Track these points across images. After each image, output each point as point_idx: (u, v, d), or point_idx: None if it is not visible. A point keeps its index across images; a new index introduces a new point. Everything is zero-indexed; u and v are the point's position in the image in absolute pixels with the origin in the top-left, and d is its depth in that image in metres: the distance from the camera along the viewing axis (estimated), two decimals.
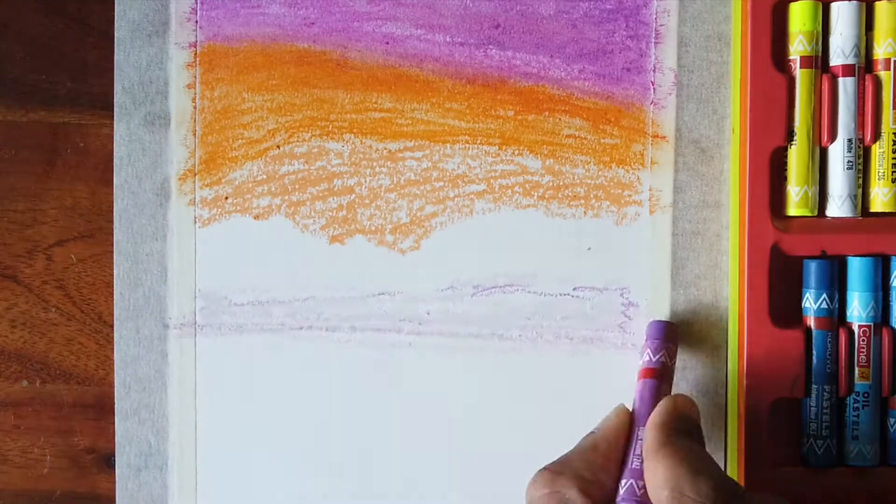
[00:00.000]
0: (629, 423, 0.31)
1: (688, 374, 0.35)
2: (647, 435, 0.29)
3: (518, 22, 0.36)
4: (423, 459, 0.36)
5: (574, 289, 0.36)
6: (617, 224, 0.36)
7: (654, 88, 0.35)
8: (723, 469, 0.29)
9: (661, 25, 0.35)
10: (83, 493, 0.37)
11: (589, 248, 0.36)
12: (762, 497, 0.28)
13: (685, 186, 0.35)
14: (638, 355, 0.35)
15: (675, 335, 0.34)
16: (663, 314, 0.35)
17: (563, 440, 0.36)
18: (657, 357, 0.33)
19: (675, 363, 0.34)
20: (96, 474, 0.37)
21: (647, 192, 0.35)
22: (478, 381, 0.36)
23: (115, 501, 0.37)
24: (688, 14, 0.35)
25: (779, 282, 0.34)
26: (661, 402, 0.31)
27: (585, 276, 0.36)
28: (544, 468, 0.28)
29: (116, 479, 0.37)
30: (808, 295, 0.34)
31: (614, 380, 0.36)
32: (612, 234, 0.36)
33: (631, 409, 0.32)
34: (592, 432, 0.30)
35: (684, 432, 0.29)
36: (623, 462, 0.30)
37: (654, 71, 0.35)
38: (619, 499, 0.29)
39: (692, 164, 0.35)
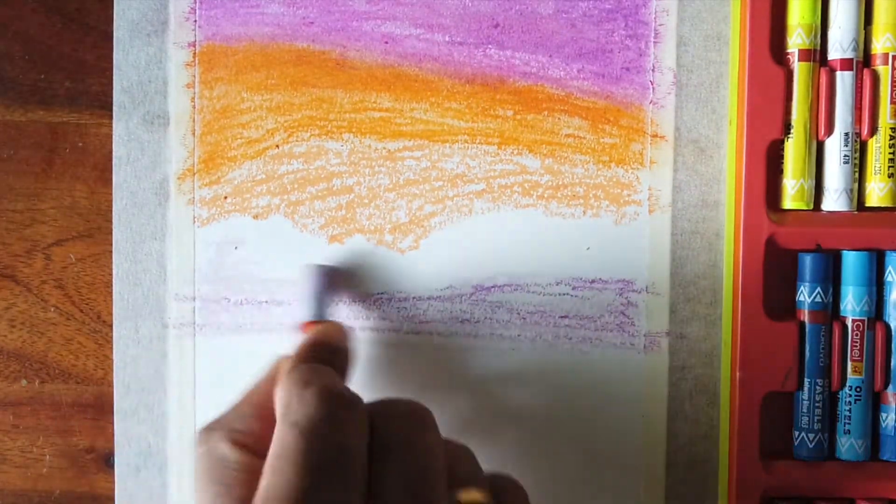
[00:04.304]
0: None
1: (687, 374, 0.35)
2: (282, 365, 0.29)
3: (517, 21, 0.36)
4: None
5: (573, 288, 0.36)
6: (616, 223, 0.36)
7: (653, 88, 0.35)
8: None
9: (661, 25, 0.35)
10: (82, 492, 0.37)
11: (588, 248, 0.36)
12: (385, 400, 0.27)
13: (684, 186, 0.35)
14: (636, 352, 0.35)
15: (335, 280, 0.35)
16: (663, 310, 0.35)
17: (563, 440, 0.36)
18: (317, 310, 0.33)
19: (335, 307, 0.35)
20: (95, 474, 0.37)
21: (647, 192, 0.36)
22: (477, 380, 0.36)
23: (114, 501, 0.37)
24: (687, 14, 0.35)
25: (773, 275, 0.34)
26: (307, 332, 0.31)
27: (584, 276, 0.36)
28: (201, 428, 0.28)
29: (115, 478, 0.37)
30: (802, 288, 0.34)
31: (613, 379, 0.36)
32: (612, 233, 0.36)
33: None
34: (248, 387, 0.30)
35: (318, 357, 0.29)
36: None
37: (653, 70, 0.35)
38: None
39: (691, 163, 0.35)
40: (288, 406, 0.25)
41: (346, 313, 0.36)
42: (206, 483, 0.26)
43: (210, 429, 0.28)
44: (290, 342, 0.37)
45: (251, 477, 0.26)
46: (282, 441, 0.24)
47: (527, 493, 0.28)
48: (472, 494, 0.26)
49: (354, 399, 0.26)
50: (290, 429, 0.25)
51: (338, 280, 0.36)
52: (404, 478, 0.25)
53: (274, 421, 0.27)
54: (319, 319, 0.33)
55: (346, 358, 0.31)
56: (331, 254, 0.36)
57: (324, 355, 0.29)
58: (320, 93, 0.36)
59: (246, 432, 0.27)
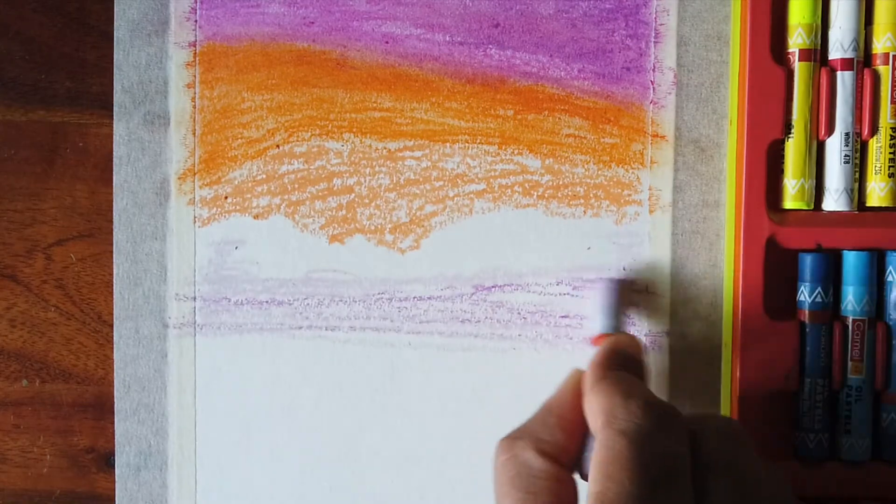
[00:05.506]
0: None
1: (687, 374, 0.35)
2: (586, 375, 0.29)
3: (517, 21, 0.36)
4: (422, 459, 0.36)
5: (573, 288, 0.36)
6: (616, 223, 0.36)
7: (653, 88, 0.35)
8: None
9: (661, 25, 0.35)
10: (82, 492, 0.37)
11: (589, 248, 0.36)
12: (700, 415, 0.28)
13: (685, 186, 0.35)
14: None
15: (627, 293, 0.35)
16: (663, 310, 0.35)
17: None
18: (611, 322, 0.33)
19: (628, 319, 0.35)
20: (96, 474, 0.37)
21: (647, 192, 0.36)
22: (477, 380, 0.36)
23: (114, 501, 0.37)
24: (687, 13, 0.35)
25: (774, 274, 0.34)
26: (601, 344, 0.31)
27: (585, 276, 0.36)
28: (504, 437, 0.29)
29: (116, 478, 0.37)
30: (802, 288, 0.34)
31: None
32: (612, 233, 0.36)
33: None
34: (548, 398, 0.30)
35: (620, 367, 0.29)
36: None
37: (653, 70, 0.35)
38: (585, 452, 0.29)
39: (692, 163, 0.35)
40: (611, 414, 0.26)
41: (345, 313, 0.36)
42: (509, 490, 0.27)
43: (514, 438, 0.28)
44: (289, 342, 0.36)
45: (556, 486, 0.27)
46: (610, 448, 0.25)
47: None
48: None
49: (675, 411, 0.26)
50: (618, 436, 0.25)
51: (628, 292, 0.35)
52: (730, 498, 0.25)
53: (578, 432, 0.28)
54: (612, 332, 0.33)
55: (644, 369, 0.31)
56: (331, 254, 0.36)
57: (624, 366, 0.30)
58: (321, 93, 0.36)
59: (551, 442, 0.28)
